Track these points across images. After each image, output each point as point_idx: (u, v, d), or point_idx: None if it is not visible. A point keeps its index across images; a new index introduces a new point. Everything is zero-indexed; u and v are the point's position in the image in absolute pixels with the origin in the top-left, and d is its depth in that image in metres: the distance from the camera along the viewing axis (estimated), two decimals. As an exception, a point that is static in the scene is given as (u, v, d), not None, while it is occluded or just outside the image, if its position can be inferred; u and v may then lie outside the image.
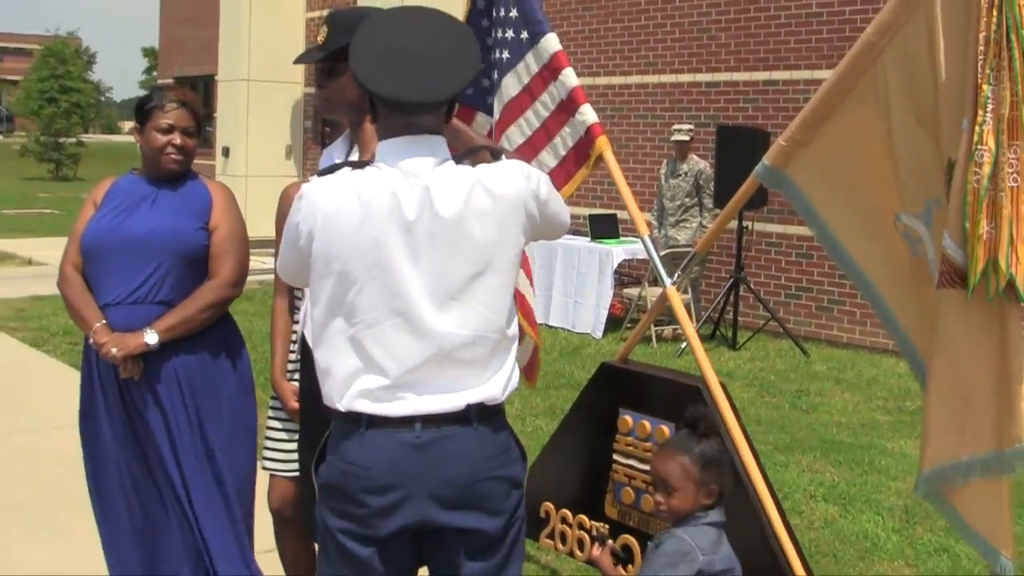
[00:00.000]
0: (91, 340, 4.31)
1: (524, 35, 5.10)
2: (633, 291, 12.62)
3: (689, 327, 4.75)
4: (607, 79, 15.39)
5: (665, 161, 13.19)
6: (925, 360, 3.96)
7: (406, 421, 2.99)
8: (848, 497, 6.84)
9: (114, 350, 4.23)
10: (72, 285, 4.41)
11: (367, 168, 3.03)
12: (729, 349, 11.87)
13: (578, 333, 12.63)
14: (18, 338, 11.28)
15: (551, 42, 4.99)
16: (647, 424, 4.62)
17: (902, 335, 4.22)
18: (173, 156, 4.36)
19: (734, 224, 11.99)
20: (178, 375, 4.35)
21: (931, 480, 3.80)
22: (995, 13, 3.55)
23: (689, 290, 12.48)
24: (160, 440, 4.37)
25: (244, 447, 4.51)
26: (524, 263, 5.08)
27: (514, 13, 5.12)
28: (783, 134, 4.30)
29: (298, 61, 3.77)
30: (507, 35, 5.15)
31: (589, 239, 13.31)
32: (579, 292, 12.97)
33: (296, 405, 4.16)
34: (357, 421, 3.02)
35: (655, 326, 12.09)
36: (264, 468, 4.47)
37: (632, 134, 15.01)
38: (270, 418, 4.46)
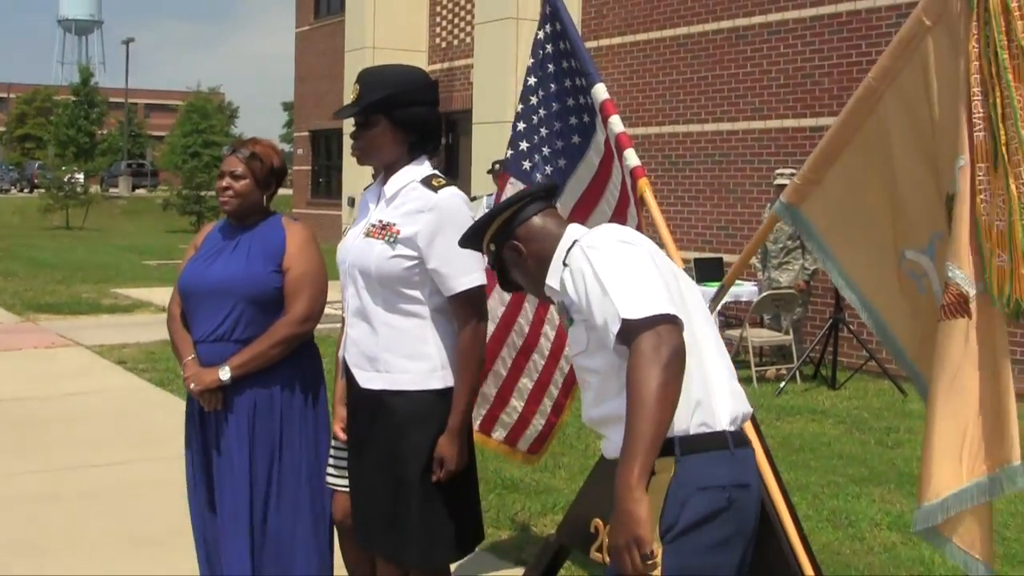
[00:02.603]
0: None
1: (579, 81, 5.49)
2: (735, 332, 12.88)
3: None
4: (715, 125, 15.71)
5: (768, 205, 13.45)
6: (929, 392, 4.19)
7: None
8: (912, 525, 7.04)
9: (192, 385, 4.74)
10: (173, 322, 4.95)
11: None
12: (829, 388, 12.06)
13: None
14: (145, 378, 11.93)
15: (600, 91, 5.35)
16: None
17: (915, 371, 4.48)
18: (222, 198, 4.83)
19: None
20: (250, 408, 4.78)
21: (930, 514, 4.00)
22: (981, 58, 3.87)
23: (791, 331, 12.71)
24: (228, 467, 4.81)
25: (320, 477, 4.93)
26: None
27: (573, 63, 5.53)
28: (798, 173, 4.64)
29: (336, 115, 4.22)
30: (565, 84, 5.55)
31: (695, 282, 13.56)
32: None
33: (342, 435, 4.57)
34: (724, 441, 3.20)
35: (757, 367, 12.36)
36: (328, 484, 4.89)
37: (739, 179, 15.30)
38: (333, 438, 4.85)
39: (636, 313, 2.99)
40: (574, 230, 3.45)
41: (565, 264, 3.31)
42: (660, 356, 2.93)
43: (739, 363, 5.59)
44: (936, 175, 4.15)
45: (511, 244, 3.50)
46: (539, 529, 6.92)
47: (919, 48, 4.15)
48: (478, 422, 5.76)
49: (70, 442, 9.00)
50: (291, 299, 4.77)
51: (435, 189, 4.10)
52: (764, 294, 12.55)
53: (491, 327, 5.49)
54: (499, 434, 5.89)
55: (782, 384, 11.88)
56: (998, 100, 3.81)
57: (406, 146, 4.18)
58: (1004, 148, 3.79)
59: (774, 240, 12.90)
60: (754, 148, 15.16)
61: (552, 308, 5.68)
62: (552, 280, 3.39)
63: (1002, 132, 3.80)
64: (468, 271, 4.08)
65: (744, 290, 13.40)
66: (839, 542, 6.77)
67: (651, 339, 2.95)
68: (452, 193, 4.12)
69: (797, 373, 12.32)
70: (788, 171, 12.97)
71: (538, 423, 5.88)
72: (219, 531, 4.86)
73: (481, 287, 4.15)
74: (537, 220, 3.50)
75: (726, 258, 14.21)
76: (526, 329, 5.72)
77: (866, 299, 4.53)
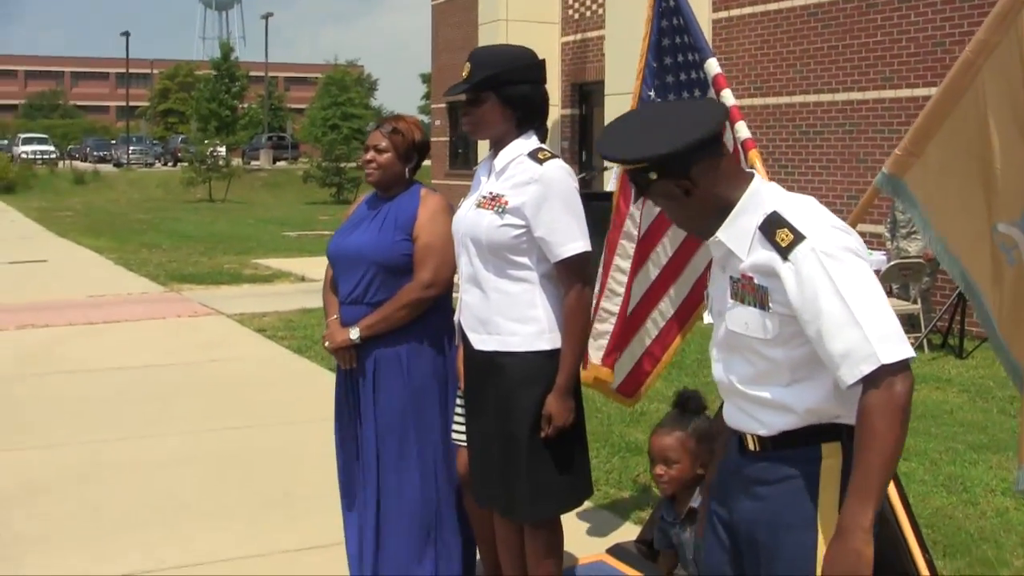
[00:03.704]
0: None
1: (692, 57, 5.66)
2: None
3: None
4: (846, 95, 15.65)
5: (874, 181, 13.36)
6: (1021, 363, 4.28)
7: None
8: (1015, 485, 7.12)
9: (327, 343, 5.18)
10: (325, 284, 5.41)
11: None
12: (956, 357, 12.04)
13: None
14: (284, 346, 12.37)
15: (712, 66, 5.51)
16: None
17: (1001, 343, 4.57)
18: (367, 170, 5.18)
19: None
20: (377, 366, 5.12)
21: None
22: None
23: (919, 300, 12.70)
24: (362, 423, 5.20)
25: (445, 434, 5.21)
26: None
27: (685, 39, 5.70)
28: (900, 144, 4.76)
29: (447, 93, 4.47)
30: (678, 59, 5.74)
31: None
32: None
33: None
34: None
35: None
36: (453, 440, 5.15)
37: (870, 148, 15.23)
38: (457, 396, 5.09)
39: (893, 357, 2.92)
40: (764, 188, 3.20)
41: (775, 244, 3.04)
42: (906, 405, 2.93)
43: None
44: None
45: (680, 183, 3.12)
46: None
47: (1016, 22, 4.24)
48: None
49: (210, 407, 9.44)
50: (418, 266, 5.06)
51: (541, 162, 4.34)
52: (892, 263, 12.55)
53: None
54: (595, 356, 5.88)
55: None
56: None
57: (513, 122, 4.42)
58: None
59: (903, 210, 12.87)
60: (884, 117, 15.07)
61: (662, 243, 5.83)
62: (733, 241, 3.14)
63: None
64: (573, 239, 4.31)
65: (873, 259, 13.30)
66: (952, 506, 6.88)
67: (903, 385, 2.92)
68: (557, 165, 4.35)
69: (925, 342, 12.30)
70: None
71: (627, 362, 6.01)
72: (359, 497, 5.24)
73: (585, 253, 4.37)
74: (722, 161, 3.17)
75: (858, 228, 14.14)
76: (630, 252, 5.84)
77: (964, 269, 4.61)
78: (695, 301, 5.85)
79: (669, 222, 5.72)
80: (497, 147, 4.48)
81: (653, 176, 3.12)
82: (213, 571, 5.87)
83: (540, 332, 4.35)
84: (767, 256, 3.05)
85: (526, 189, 4.30)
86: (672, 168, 3.09)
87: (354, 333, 5.06)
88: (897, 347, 2.91)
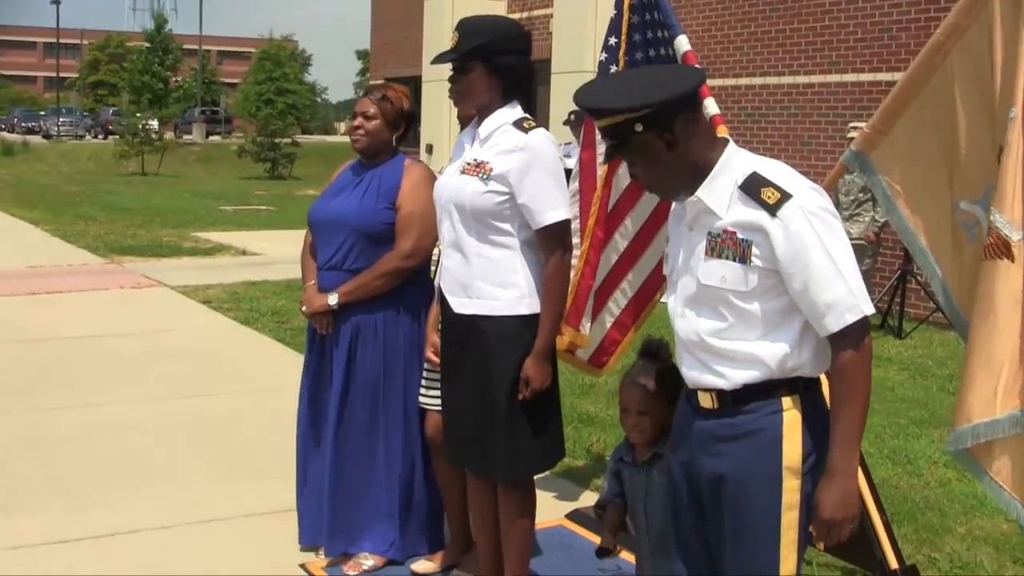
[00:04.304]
0: None
1: (662, 34, 5.74)
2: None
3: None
4: (791, 78, 15.86)
5: (841, 157, 13.54)
6: (969, 328, 4.42)
7: None
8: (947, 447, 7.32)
9: (303, 308, 5.24)
10: (304, 249, 5.45)
11: None
12: (895, 338, 12.28)
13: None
14: (231, 317, 12.37)
15: (682, 43, 5.59)
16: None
17: (959, 316, 4.67)
18: (354, 136, 5.24)
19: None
20: (353, 333, 5.21)
21: (963, 437, 4.24)
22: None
23: (860, 282, 12.88)
24: (332, 386, 5.27)
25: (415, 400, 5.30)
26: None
27: (656, 15, 5.77)
28: (868, 123, 4.89)
29: (435, 62, 4.56)
30: (647, 35, 5.82)
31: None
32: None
33: (434, 359, 4.92)
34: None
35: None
36: (420, 404, 5.24)
37: (814, 131, 15.46)
38: (425, 361, 5.18)
39: (871, 309, 3.22)
40: (739, 152, 3.35)
41: (762, 202, 3.20)
42: (871, 357, 3.24)
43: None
44: (994, 131, 4.36)
45: (664, 135, 3.25)
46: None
47: (986, 6, 4.36)
48: None
49: (161, 376, 9.44)
50: (400, 235, 5.15)
51: (525, 131, 4.43)
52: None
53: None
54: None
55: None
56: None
57: (499, 91, 4.50)
58: None
59: (846, 192, 13.04)
60: (829, 102, 15.29)
61: (628, 218, 5.92)
62: (712, 199, 3.28)
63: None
64: (555, 206, 4.41)
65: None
66: (897, 477, 7.09)
67: (870, 338, 3.24)
68: (541, 134, 4.45)
69: (865, 322, 12.47)
70: (862, 125, 13.04)
71: (597, 333, 6.11)
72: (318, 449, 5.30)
73: (566, 221, 4.47)
74: (700, 121, 3.35)
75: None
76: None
77: (924, 247, 4.73)
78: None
79: (634, 197, 5.82)
80: (481, 116, 4.56)
81: (639, 128, 3.23)
82: (174, 535, 5.91)
83: (520, 297, 4.44)
84: (752, 213, 3.21)
85: (511, 157, 4.39)
86: (659, 119, 3.22)
87: (332, 299, 5.12)
88: (869, 302, 3.20)
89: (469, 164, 4.50)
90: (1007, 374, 4.16)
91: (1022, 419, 4.15)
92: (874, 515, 4.93)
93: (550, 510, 6.20)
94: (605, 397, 8.85)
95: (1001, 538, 6.09)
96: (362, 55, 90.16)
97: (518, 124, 4.46)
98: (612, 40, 5.89)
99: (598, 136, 5.95)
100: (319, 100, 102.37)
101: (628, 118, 3.23)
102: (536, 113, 23.49)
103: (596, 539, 5.76)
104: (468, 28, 4.47)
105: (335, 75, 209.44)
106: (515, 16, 23.52)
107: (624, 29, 5.83)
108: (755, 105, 16.52)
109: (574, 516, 6.16)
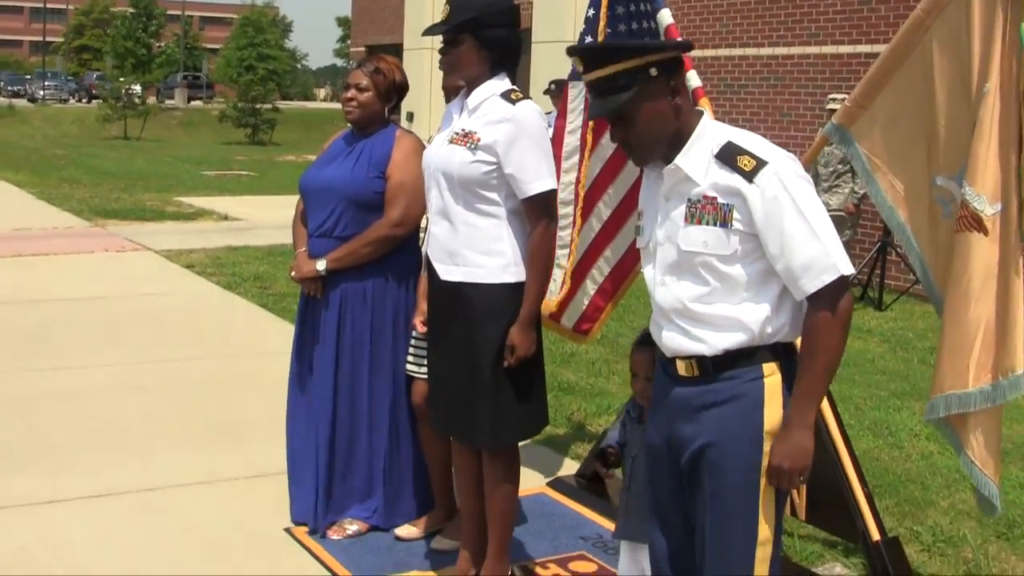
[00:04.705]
0: None
1: (644, 7, 5.78)
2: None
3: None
4: (771, 50, 15.89)
5: (820, 129, 13.59)
6: (944, 301, 4.50)
7: None
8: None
9: (293, 273, 5.35)
10: (296, 217, 5.55)
11: None
12: (875, 309, 12.38)
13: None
14: (214, 282, 12.42)
15: (665, 16, 5.63)
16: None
17: (935, 291, 4.73)
18: (347, 108, 5.33)
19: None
20: (343, 298, 5.30)
21: (937, 407, 4.36)
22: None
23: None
24: (320, 350, 5.36)
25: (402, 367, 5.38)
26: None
27: None
28: (849, 96, 4.95)
29: (426, 33, 4.61)
30: (630, 8, 5.86)
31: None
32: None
33: (421, 327, 4.99)
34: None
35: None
36: (407, 372, 5.32)
37: (793, 103, 15.49)
38: (412, 329, 5.25)
39: (848, 269, 3.27)
40: (714, 123, 3.48)
41: (739, 168, 3.30)
42: (849, 320, 3.31)
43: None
44: (971, 107, 4.42)
45: (673, 82, 3.39)
46: (593, 428, 7.33)
47: (964, -17, 4.42)
48: None
49: (145, 339, 9.48)
50: (389, 204, 5.24)
51: (513, 102, 4.50)
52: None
53: None
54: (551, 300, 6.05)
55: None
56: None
57: (488, 63, 4.56)
58: None
59: (825, 164, 13.08)
60: (808, 73, 15.32)
61: (611, 186, 5.99)
62: (690, 166, 3.38)
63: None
64: (541, 177, 4.46)
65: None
66: (879, 449, 7.16)
67: (848, 301, 3.29)
68: (529, 106, 4.52)
69: (845, 294, 12.55)
70: (841, 96, 13.11)
71: (581, 300, 6.20)
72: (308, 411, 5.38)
73: (552, 191, 4.53)
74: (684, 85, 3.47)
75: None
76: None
77: (902, 221, 4.80)
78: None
79: (619, 165, 5.88)
80: (470, 87, 4.61)
81: (653, 72, 3.35)
82: (157, 497, 5.96)
83: (506, 265, 4.50)
84: (730, 177, 3.32)
85: (498, 127, 4.45)
86: (672, 65, 3.38)
87: (321, 265, 5.22)
88: (848, 263, 3.28)
89: (457, 134, 4.55)
90: (979, 348, 4.25)
91: (992, 393, 4.24)
92: (856, 487, 5.00)
93: (532, 478, 6.26)
94: (586, 366, 8.93)
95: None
96: (342, 22, 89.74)
97: (506, 96, 4.52)
98: (590, 12, 5.96)
99: (570, 104, 6.05)
100: (299, 66, 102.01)
101: (648, 60, 3.34)
102: (516, 82, 23.60)
103: (578, 507, 5.88)
104: (459, 1, 4.52)
105: (315, 41, 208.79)
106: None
107: (604, 2, 5.87)
108: (734, 76, 16.56)
109: (555, 484, 6.24)
